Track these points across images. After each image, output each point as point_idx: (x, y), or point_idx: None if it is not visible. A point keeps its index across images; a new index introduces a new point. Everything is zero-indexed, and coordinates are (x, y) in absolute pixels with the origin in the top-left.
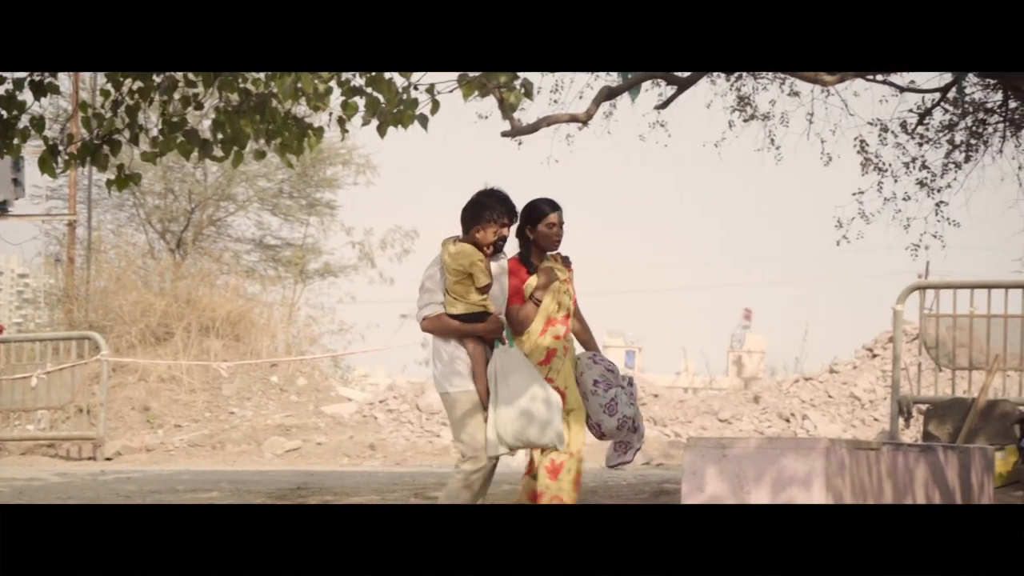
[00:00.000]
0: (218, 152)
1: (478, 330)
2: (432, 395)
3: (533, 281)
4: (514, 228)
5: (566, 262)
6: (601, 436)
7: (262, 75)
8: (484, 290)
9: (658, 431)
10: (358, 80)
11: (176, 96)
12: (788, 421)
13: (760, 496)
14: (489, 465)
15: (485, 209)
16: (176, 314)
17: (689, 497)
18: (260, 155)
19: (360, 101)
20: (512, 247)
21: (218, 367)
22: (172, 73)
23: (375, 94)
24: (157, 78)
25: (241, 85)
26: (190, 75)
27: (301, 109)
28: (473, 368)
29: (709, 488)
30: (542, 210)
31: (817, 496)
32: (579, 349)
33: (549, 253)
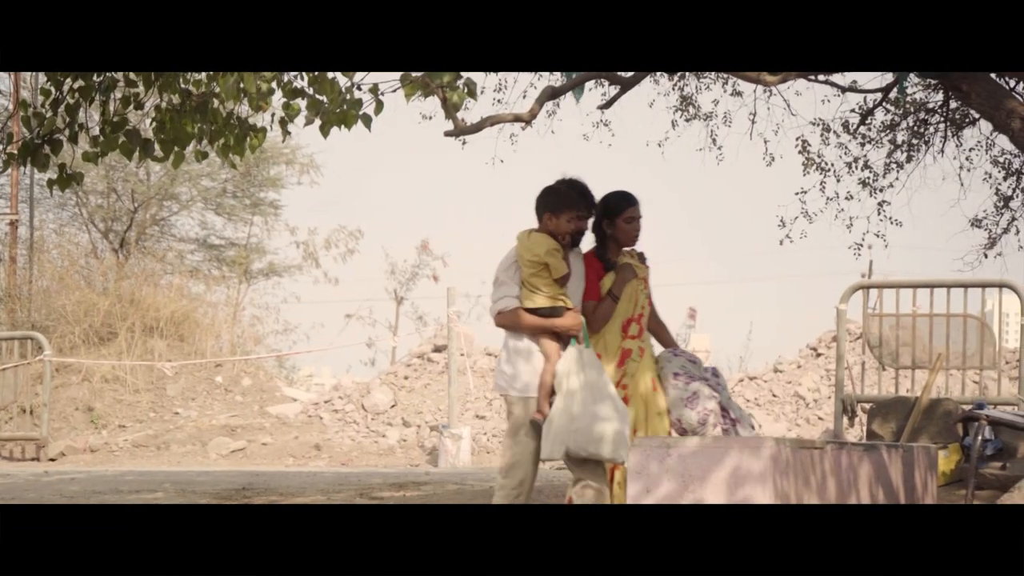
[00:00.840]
0: (159, 153)
1: (556, 325)
2: (377, 395)
3: (610, 279)
4: (591, 222)
5: (642, 258)
6: (683, 432)
7: (203, 75)
8: (562, 282)
9: None
10: (300, 81)
11: (117, 96)
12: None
13: (706, 495)
14: (530, 478)
15: (561, 196)
16: (120, 314)
17: (638, 498)
18: (202, 156)
19: (302, 102)
20: (587, 242)
21: (162, 367)
22: (112, 73)
23: (318, 96)
24: (97, 77)
25: (182, 86)
26: (131, 75)
27: (243, 109)
28: (545, 366)
29: (656, 488)
30: (621, 204)
31: (762, 495)
32: (658, 349)
33: (625, 249)
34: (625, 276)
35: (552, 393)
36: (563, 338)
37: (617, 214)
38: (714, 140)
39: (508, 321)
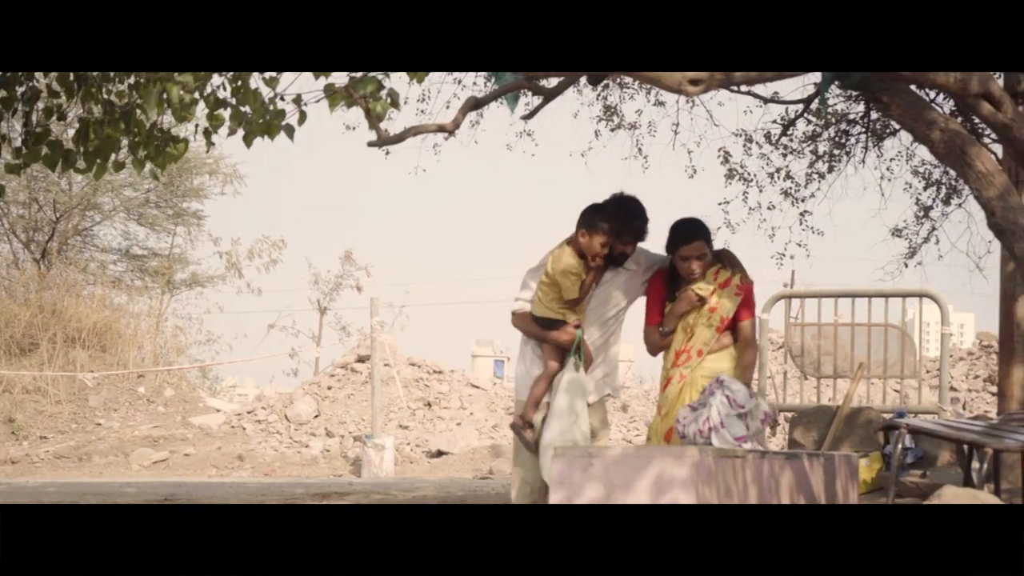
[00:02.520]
0: (82, 164)
1: (547, 337)
2: (300, 405)
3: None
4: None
5: (743, 279)
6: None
7: (126, 86)
8: (571, 304)
9: None
10: (224, 91)
11: (40, 106)
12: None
13: (629, 503)
14: (531, 477)
15: (596, 216)
16: (41, 325)
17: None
18: (119, 166)
19: (226, 112)
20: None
21: (84, 378)
22: (35, 83)
23: (242, 108)
24: (20, 88)
25: (105, 96)
26: (53, 85)
27: (167, 120)
28: (538, 378)
29: (579, 496)
30: (675, 240)
31: (683, 502)
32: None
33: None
34: (676, 310)
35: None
36: (567, 351)
37: (673, 249)
38: (640, 149)
39: (517, 323)
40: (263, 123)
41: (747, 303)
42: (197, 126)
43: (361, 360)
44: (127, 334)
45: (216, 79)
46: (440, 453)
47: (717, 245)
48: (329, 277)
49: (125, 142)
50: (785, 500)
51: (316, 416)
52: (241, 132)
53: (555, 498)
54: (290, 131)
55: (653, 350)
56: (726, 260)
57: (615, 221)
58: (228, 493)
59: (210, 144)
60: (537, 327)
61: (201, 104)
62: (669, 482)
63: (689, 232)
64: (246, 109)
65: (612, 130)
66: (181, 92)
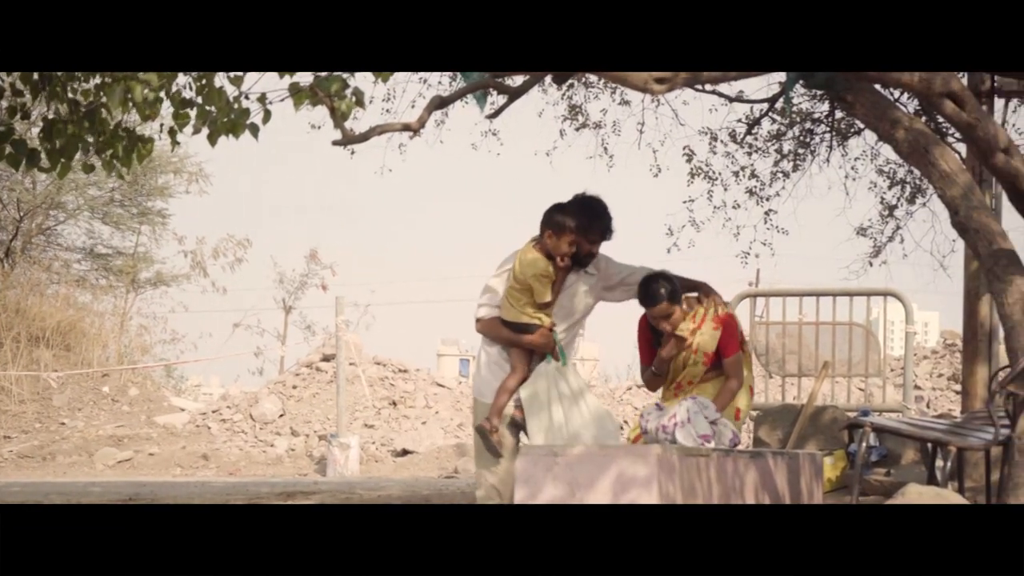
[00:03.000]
0: (46, 163)
1: (524, 342)
2: (265, 404)
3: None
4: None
5: (717, 312)
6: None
7: (91, 85)
8: (544, 306)
9: None
10: (189, 91)
11: (3, 105)
12: (622, 428)
13: (592, 501)
14: (503, 484)
15: (563, 216)
16: (5, 324)
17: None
18: (88, 168)
19: (191, 112)
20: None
21: (48, 377)
22: None
23: (207, 107)
24: None
25: (70, 95)
26: (17, 84)
27: (132, 119)
28: (505, 380)
29: (542, 494)
30: (641, 301)
31: (647, 501)
32: None
33: (702, 298)
34: (663, 356)
35: (519, 411)
36: (536, 353)
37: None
38: (605, 148)
39: (485, 329)
40: (228, 122)
41: (729, 336)
42: (162, 125)
43: (326, 359)
44: (91, 333)
45: (181, 78)
46: (405, 452)
47: (683, 243)
48: (294, 276)
49: (91, 141)
50: (750, 499)
51: (281, 415)
52: (206, 131)
53: (518, 496)
54: (255, 130)
55: (649, 387)
56: (702, 294)
57: (581, 220)
58: (193, 492)
59: (175, 143)
60: (509, 331)
61: (166, 103)
62: (632, 481)
63: (648, 299)
64: (211, 108)
65: (577, 129)
66: (146, 91)
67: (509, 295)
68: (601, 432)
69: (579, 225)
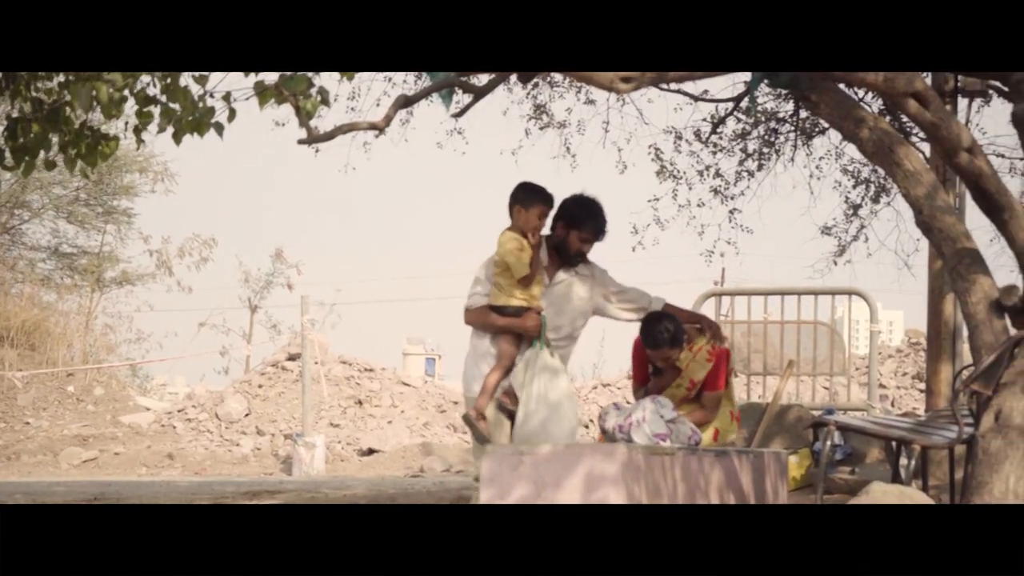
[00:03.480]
0: (10, 161)
1: (513, 325)
2: (231, 404)
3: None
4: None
5: (715, 345)
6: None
7: (55, 83)
8: (524, 282)
9: (457, 438)
10: (153, 89)
11: None
12: (587, 427)
13: (559, 501)
14: None
15: (529, 190)
16: None
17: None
18: (50, 165)
19: (156, 110)
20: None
21: (12, 377)
22: None
23: (171, 105)
24: None
25: (34, 94)
26: None
27: (96, 118)
28: (494, 367)
29: (509, 494)
30: (643, 339)
31: (614, 500)
32: None
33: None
34: (661, 384)
35: (507, 397)
36: (524, 340)
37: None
38: (568, 148)
39: (472, 318)
40: (193, 120)
41: (718, 371)
42: (127, 124)
43: (292, 358)
44: (56, 332)
45: (145, 76)
46: (371, 451)
47: (648, 241)
48: (260, 275)
49: (55, 139)
50: (715, 497)
51: (247, 414)
52: (171, 129)
53: (484, 496)
54: (219, 128)
55: None
56: (704, 325)
57: (574, 213)
58: (158, 492)
59: (140, 142)
60: (497, 316)
61: (131, 101)
62: (599, 480)
63: (651, 342)
64: (175, 106)
65: (542, 128)
66: (111, 90)
67: (496, 281)
68: (553, 414)
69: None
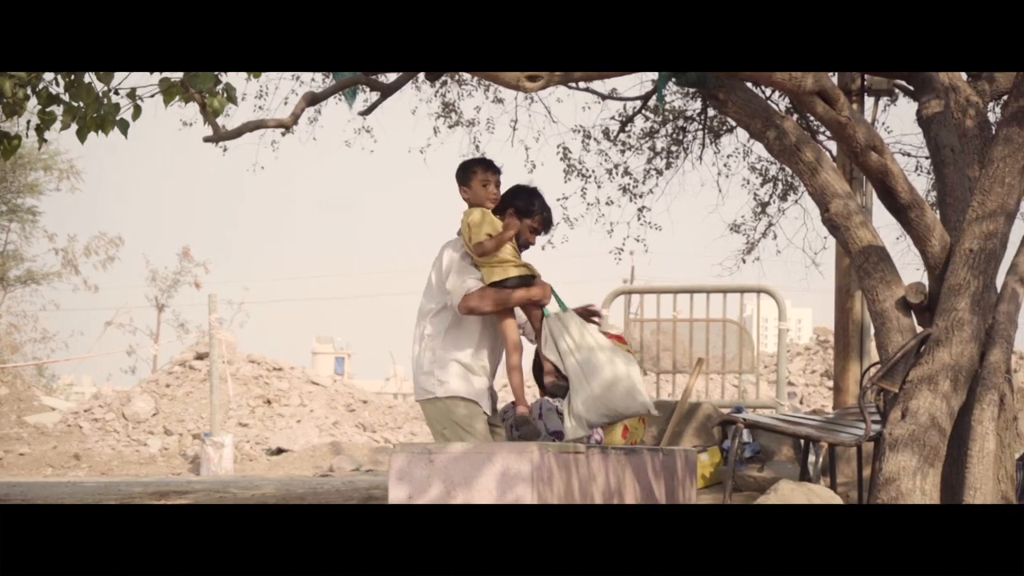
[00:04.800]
0: None
1: (533, 295)
2: (138, 403)
3: None
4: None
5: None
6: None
7: None
8: (497, 244)
9: (367, 437)
10: (56, 87)
11: None
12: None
13: (471, 499)
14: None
15: (461, 168)
16: None
17: (400, 503)
18: None
19: (59, 109)
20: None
21: None
22: None
23: (75, 103)
24: None
25: None
26: None
27: None
28: (508, 359)
29: (421, 493)
30: None
31: (526, 499)
32: None
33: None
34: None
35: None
36: (532, 317)
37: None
38: (477, 147)
39: (482, 303)
40: (97, 118)
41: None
42: (29, 121)
43: (200, 357)
44: None
45: (48, 74)
46: (280, 451)
47: (557, 240)
48: (167, 274)
49: None
50: (627, 495)
51: (154, 414)
52: (75, 127)
53: (396, 495)
54: (124, 126)
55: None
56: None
57: (524, 201)
58: (64, 493)
59: (42, 140)
60: (511, 292)
61: (33, 99)
62: (510, 479)
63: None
64: (79, 104)
65: (451, 127)
66: (15, 88)
67: (484, 263)
68: (612, 355)
69: (522, 208)
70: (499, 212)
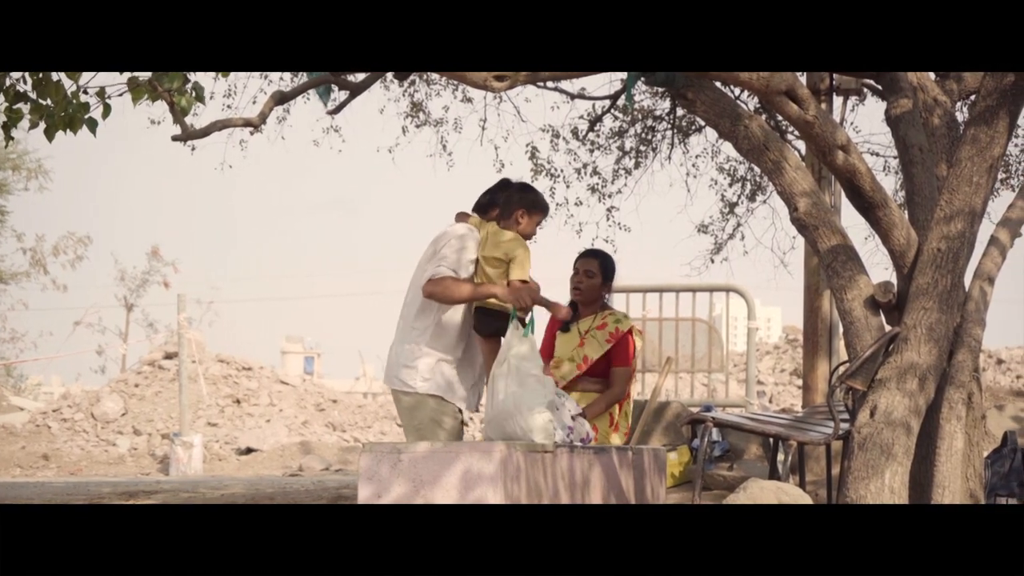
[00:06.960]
0: None
1: (492, 291)
2: (107, 403)
3: None
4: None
5: (618, 329)
6: None
7: None
8: (535, 298)
9: (336, 436)
10: (24, 85)
11: None
12: (467, 425)
13: (437, 498)
14: None
15: (536, 199)
16: None
17: (369, 502)
18: None
19: (26, 107)
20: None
21: None
22: None
23: (43, 101)
24: None
25: None
26: None
27: None
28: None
29: (387, 492)
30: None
31: (493, 498)
32: None
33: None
34: (542, 301)
35: None
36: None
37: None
38: (444, 146)
39: (438, 289)
40: (65, 116)
41: (619, 351)
42: None
43: (169, 357)
44: None
45: (15, 72)
46: (249, 450)
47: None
48: (136, 273)
49: None
50: (595, 494)
51: (123, 414)
52: (43, 125)
53: (363, 494)
54: (92, 125)
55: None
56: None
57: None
58: (33, 493)
59: (9, 139)
60: (472, 286)
61: (0, 96)
62: (477, 478)
63: (587, 251)
64: (47, 102)
65: (419, 126)
66: None
67: (485, 270)
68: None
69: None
70: (502, 214)
